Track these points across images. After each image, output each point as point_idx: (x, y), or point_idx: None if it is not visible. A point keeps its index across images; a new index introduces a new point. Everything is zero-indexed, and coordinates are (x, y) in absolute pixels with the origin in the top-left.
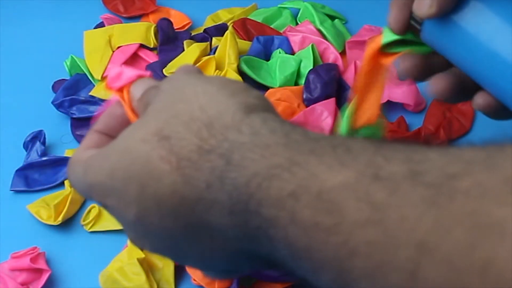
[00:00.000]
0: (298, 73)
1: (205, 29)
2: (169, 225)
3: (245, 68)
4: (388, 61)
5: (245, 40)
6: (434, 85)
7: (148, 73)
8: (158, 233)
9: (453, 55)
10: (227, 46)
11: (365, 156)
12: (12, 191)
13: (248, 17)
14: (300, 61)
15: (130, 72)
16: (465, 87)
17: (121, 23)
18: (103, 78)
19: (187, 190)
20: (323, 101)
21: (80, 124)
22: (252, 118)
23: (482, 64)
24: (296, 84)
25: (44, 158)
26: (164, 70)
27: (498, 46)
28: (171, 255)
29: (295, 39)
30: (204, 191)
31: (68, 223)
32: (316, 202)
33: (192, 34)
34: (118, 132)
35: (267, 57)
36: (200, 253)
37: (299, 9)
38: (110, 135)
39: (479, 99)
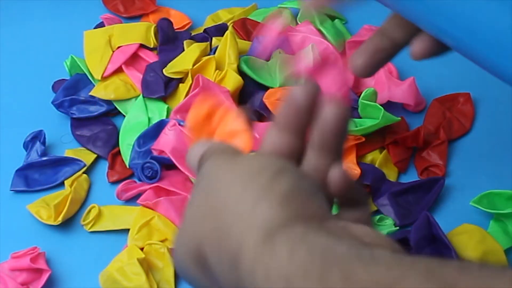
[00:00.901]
0: None
1: (205, 29)
2: None
3: (245, 68)
4: None
5: (245, 40)
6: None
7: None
8: None
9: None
10: (227, 46)
11: None
12: (12, 191)
13: (248, 17)
14: None
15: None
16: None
17: (121, 23)
18: (103, 78)
19: None
20: None
21: (80, 124)
22: (276, 250)
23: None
24: None
25: (44, 158)
26: (164, 70)
27: None
28: None
29: (295, 39)
30: None
31: (68, 223)
32: None
33: (192, 34)
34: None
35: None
36: None
37: (299, 9)
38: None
39: (418, 45)
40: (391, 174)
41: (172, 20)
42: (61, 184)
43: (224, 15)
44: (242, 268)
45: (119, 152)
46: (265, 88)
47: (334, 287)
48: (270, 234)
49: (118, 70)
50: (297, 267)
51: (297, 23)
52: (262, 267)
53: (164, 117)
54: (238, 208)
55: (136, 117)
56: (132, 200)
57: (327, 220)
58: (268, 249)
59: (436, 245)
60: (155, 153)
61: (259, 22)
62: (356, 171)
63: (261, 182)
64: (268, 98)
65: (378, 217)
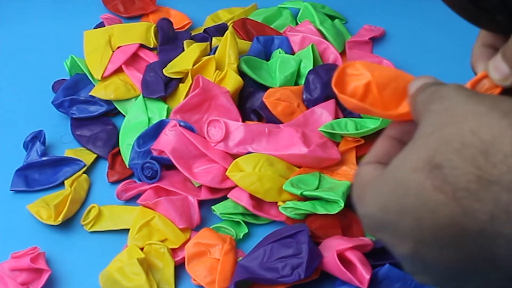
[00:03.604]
0: (298, 73)
1: (205, 29)
2: (448, 256)
3: (245, 68)
4: None
5: (245, 40)
6: None
7: None
8: (437, 265)
9: None
10: (227, 46)
11: None
12: (12, 191)
13: (248, 17)
14: (300, 61)
15: None
16: None
17: (121, 23)
18: (103, 78)
19: (467, 221)
20: (323, 103)
21: (80, 124)
22: None
23: None
24: (296, 84)
25: (44, 158)
26: (164, 70)
27: None
28: (452, 286)
29: (295, 39)
30: (487, 223)
31: (68, 223)
32: None
33: (192, 34)
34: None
35: (267, 57)
36: (482, 284)
37: (299, 9)
38: (403, 140)
39: None
40: None
41: (172, 20)
42: (61, 184)
43: (224, 15)
44: (492, 159)
45: (119, 152)
46: (265, 88)
47: None
48: None
49: (118, 70)
50: None
51: (297, 23)
52: None
53: (164, 117)
54: (486, 118)
55: (136, 117)
56: (132, 200)
57: None
58: None
59: None
60: (155, 153)
61: (259, 22)
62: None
63: (507, 104)
64: (268, 98)
65: None
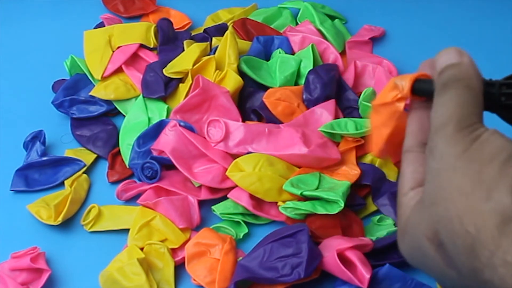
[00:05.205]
0: (298, 73)
1: (205, 29)
2: None
3: (245, 68)
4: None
5: (245, 40)
6: None
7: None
8: None
9: None
10: (227, 46)
11: None
12: (12, 191)
13: (248, 17)
14: (300, 61)
15: None
16: None
17: (121, 23)
18: (103, 78)
19: None
20: (323, 103)
21: (80, 124)
22: None
23: None
24: (296, 84)
25: (44, 158)
26: (164, 70)
27: None
28: None
29: (295, 39)
30: None
31: (68, 223)
32: None
33: (192, 34)
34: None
35: (267, 57)
36: None
37: (299, 9)
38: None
39: None
40: (391, 174)
41: (172, 20)
42: (61, 184)
43: (224, 15)
44: (481, 258)
45: (119, 152)
46: (265, 88)
47: None
48: (506, 223)
49: (118, 70)
50: None
51: (297, 23)
52: (501, 256)
53: (164, 117)
54: (470, 200)
55: (136, 117)
56: (132, 200)
57: None
58: (506, 238)
59: None
60: (155, 153)
61: (259, 22)
62: (356, 171)
63: (493, 171)
64: (268, 98)
65: (378, 217)
